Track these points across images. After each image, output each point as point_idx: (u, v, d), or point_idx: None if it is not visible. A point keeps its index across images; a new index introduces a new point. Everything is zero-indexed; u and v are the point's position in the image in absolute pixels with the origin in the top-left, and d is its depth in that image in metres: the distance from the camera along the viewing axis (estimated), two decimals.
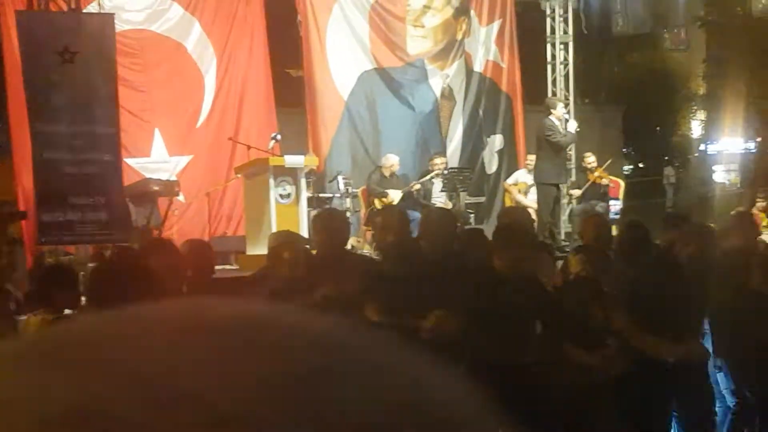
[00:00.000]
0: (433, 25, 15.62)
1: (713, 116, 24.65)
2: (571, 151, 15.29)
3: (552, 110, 13.13)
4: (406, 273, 5.58)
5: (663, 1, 16.75)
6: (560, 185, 13.33)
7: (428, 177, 13.97)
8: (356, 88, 15.04)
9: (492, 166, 16.09)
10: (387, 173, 13.78)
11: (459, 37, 15.83)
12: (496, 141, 16.14)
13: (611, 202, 14.57)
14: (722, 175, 26.42)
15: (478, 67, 16.04)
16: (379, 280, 5.69)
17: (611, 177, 15.35)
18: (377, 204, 13.49)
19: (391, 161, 13.89)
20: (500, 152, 16.12)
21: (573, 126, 13.05)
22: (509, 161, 15.89)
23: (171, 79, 13.70)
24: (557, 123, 12.89)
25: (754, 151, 25.59)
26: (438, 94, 15.77)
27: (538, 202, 13.23)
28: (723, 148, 25.89)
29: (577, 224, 12.12)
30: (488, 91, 16.12)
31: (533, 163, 14.63)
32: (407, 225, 7.05)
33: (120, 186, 10.38)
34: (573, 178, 15.22)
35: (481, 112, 15.95)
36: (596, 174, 13.93)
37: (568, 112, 13.16)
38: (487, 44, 16.10)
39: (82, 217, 9.74)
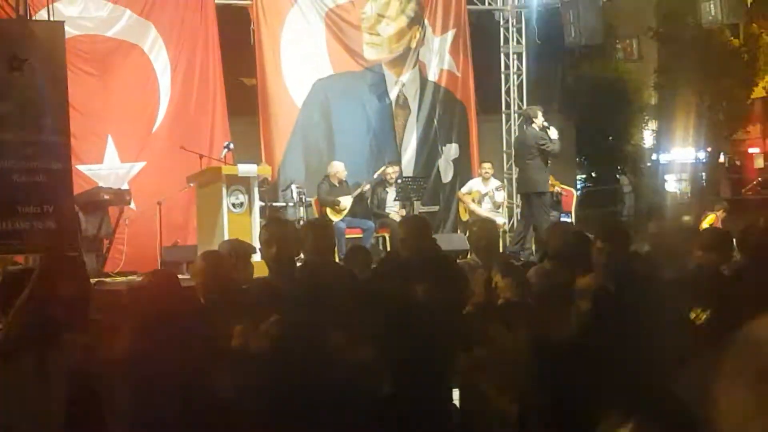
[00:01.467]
0: (387, 33, 15.66)
1: (665, 126, 24.94)
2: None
3: (534, 119, 13.22)
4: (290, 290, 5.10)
5: (615, 12, 16.91)
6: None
7: (375, 175, 14.07)
8: (311, 96, 15.02)
9: (447, 175, 16.14)
10: (335, 181, 13.79)
11: (413, 45, 15.87)
12: (452, 150, 16.19)
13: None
14: (674, 184, 26.75)
15: (432, 76, 16.09)
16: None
17: (563, 186, 15.50)
18: (330, 213, 13.50)
19: (336, 168, 13.90)
20: (455, 161, 16.18)
21: (555, 133, 13.10)
22: (464, 170, 15.95)
23: (126, 83, 13.59)
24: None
25: (704, 161, 25.93)
26: (393, 101, 15.80)
27: (533, 214, 13.25)
28: (674, 157, 26.20)
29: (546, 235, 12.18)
30: (443, 100, 16.17)
31: (489, 171, 14.73)
32: (289, 237, 5.93)
33: (70, 195, 10.28)
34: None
35: (436, 121, 15.99)
36: (549, 182, 14.00)
37: (547, 121, 13.23)
38: (441, 53, 16.16)
39: (31, 226, 9.63)
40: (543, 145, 12.94)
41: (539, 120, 13.20)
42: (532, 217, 13.26)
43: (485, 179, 14.79)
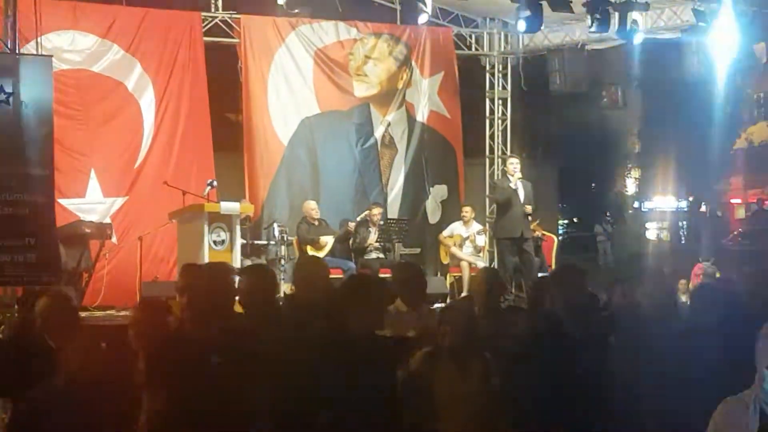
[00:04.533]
0: (375, 74, 15.76)
1: (647, 174, 25.14)
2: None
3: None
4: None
5: (600, 60, 17.05)
6: None
7: (359, 218, 14.09)
8: (297, 134, 15.06)
9: (435, 216, 16.15)
10: (312, 221, 13.81)
11: (400, 86, 15.97)
12: (441, 191, 16.24)
13: None
14: (654, 232, 26.89)
15: (420, 116, 16.17)
16: None
17: (545, 232, 15.56)
18: (310, 251, 13.51)
19: (309, 207, 13.93)
20: (444, 203, 16.22)
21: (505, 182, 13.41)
22: (452, 212, 15.88)
23: (110, 119, 13.62)
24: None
25: (685, 209, 26.11)
26: (379, 140, 15.86)
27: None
28: (656, 205, 26.38)
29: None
30: (431, 140, 16.23)
31: (468, 215, 14.77)
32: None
33: (52, 228, 10.24)
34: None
35: (424, 161, 16.04)
36: (531, 227, 14.04)
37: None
38: (430, 95, 16.24)
39: (12, 258, 9.60)
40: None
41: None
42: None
43: (466, 222, 14.83)
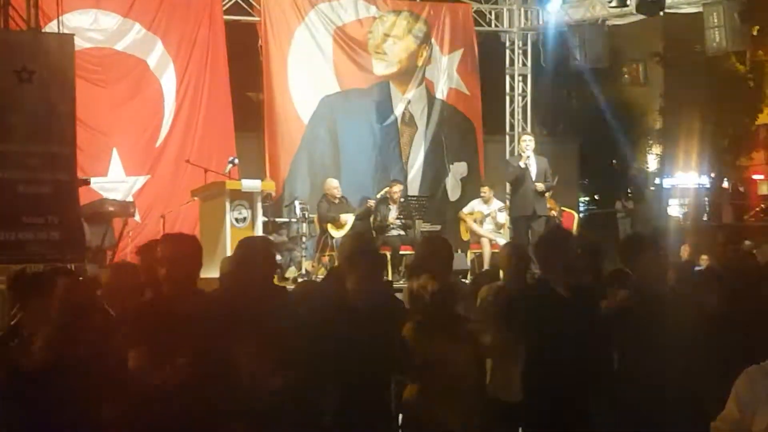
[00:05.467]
0: (394, 52, 15.77)
1: (669, 151, 25.00)
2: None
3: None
4: None
5: (621, 36, 16.98)
6: None
7: (379, 195, 14.08)
8: (317, 113, 15.12)
9: (455, 193, 16.18)
10: (332, 199, 13.82)
11: (420, 64, 15.97)
12: (461, 168, 16.24)
13: None
14: (676, 209, 26.77)
15: (440, 94, 16.18)
16: None
17: (565, 209, 15.51)
18: (330, 229, 13.54)
19: (330, 185, 13.92)
20: (464, 180, 16.22)
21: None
22: (472, 189, 15.87)
23: (132, 97, 13.72)
24: None
25: (708, 186, 25.96)
26: (399, 118, 15.87)
27: None
28: (678, 182, 26.24)
29: None
30: (451, 118, 16.25)
31: (488, 193, 14.72)
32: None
33: (75, 206, 10.31)
34: None
35: (444, 139, 16.04)
36: (548, 205, 14.00)
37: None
38: (449, 72, 16.25)
39: (35, 236, 9.67)
40: None
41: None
42: None
43: (486, 200, 14.78)
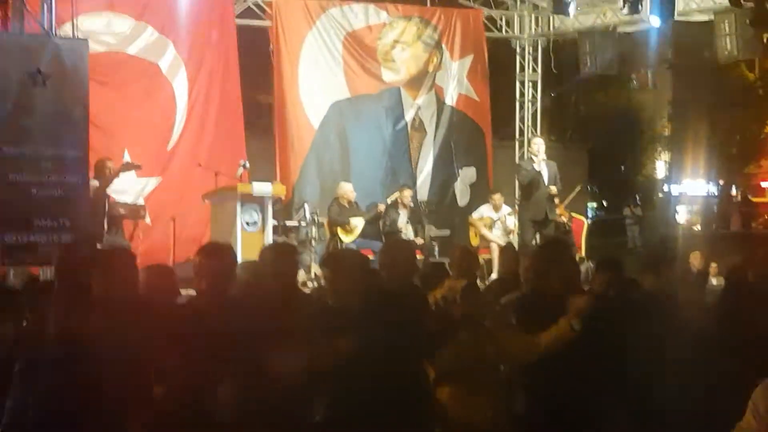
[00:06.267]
0: (402, 59, 15.80)
1: (677, 157, 24.98)
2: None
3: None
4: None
5: (631, 43, 16.99)
6: None
7: (389, 200, 14.10)
8: (327, 118, 15.15)
9: (464, 198, 16.21)
10: (344, 202, 13.85)
11: (430, 69, 16.00)
12: (470, 174, 16.26)
13: None
14: (685, 216, 26.73)
15: (449, 100, 16.20)
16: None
17: (575, 215, 15.52)
18: (341, 233, 13.57)
19: (344, 189, 13.96)
20: (473, 186, 16.25)
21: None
22: (480, 195, 15.90)
23: (144, 100, 13.73)
24: None
25: (716, 194, 25.92)
26: (409, 123, 15.90)
27: None
28: (686, 189, 26.20)
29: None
30: (460, 123, 16.27)
31: (498, 201, 14.73)
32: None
33: (86, 208, 10.35)
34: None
35: (453, 144, 16.05)
36: (558, 212, 14.02)
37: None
38: (459, 78, 16.27)
39: (47, 239, 9.71)
40: None
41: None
42: None
43: (496, 207, 14.79)
